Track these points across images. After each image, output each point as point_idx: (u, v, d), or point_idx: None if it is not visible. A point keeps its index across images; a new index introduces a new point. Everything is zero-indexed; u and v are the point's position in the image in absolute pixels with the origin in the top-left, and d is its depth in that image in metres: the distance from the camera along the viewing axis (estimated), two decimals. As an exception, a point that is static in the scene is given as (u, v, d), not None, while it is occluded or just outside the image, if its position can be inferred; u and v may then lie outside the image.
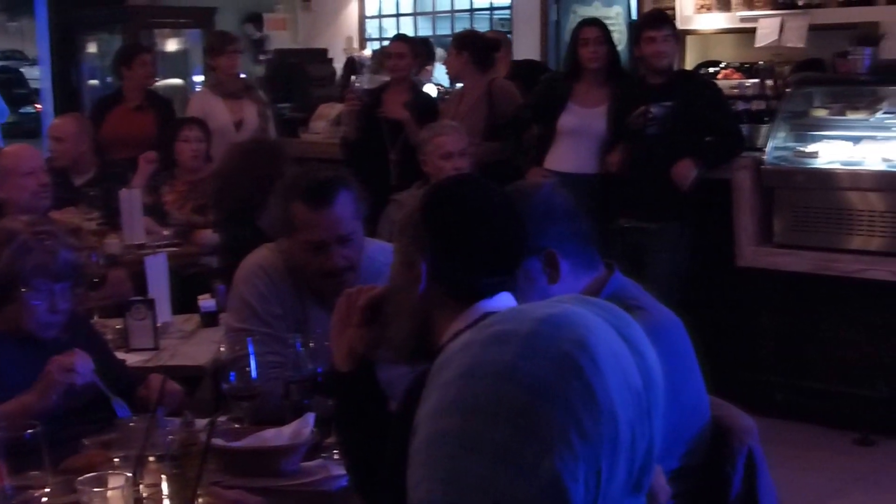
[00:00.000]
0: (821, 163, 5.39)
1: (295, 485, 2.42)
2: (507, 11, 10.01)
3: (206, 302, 4.11)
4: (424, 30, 10.88)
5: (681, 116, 5.45)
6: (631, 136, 5.54)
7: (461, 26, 10.18)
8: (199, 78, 9.83)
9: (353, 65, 9.49)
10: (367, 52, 10.19)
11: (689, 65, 8.15)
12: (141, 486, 2.27)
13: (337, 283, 2.84)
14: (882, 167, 5.22)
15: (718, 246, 5.51)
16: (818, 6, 7.67)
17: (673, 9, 8.16)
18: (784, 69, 7.48)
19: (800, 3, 7.72)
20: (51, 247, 2.89)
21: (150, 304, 3.83)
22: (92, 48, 10.40)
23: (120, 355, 3.37)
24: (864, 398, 5.26)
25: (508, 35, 8.94)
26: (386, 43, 8.69)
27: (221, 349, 2.90)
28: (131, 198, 5.22)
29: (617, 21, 8.89)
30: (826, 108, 5.61)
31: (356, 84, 6.79)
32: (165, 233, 5.35)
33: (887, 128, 5.33)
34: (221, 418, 2.62)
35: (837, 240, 5.30)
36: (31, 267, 2.85)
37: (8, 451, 2.26)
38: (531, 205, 2.34)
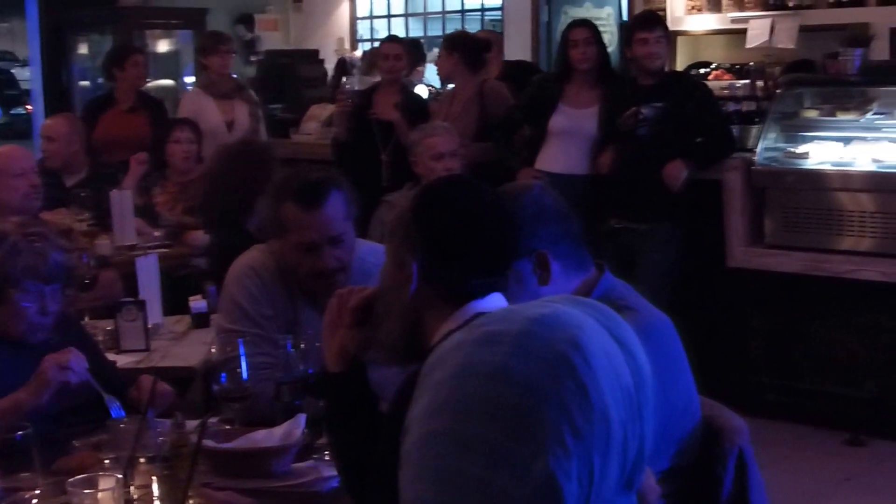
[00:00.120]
0: (811, 163, 5.40)
1: (286, 486, 2.42)
2: (499, 12, 10.02)
3: (197, 303, 4.10)
4: (415, 31, 10.88)
5: (671, 117, 5.46)
6: (622, 137, 5.54)
7: (452, 27, 10.18)
8: (190, 79, 9.82)
9: (344, 66, 9.49)
10: (359, 53, 10.19)
11: (680, 66, 8.18)
12: (132, 488, 2.26)
13: (328, 284, 2.83)
14: (872, 168, 5.23)
15: (709, 246, 5.51)
16: (809, 7, 7.70)
17: (664, 10, 8.19)
18: (775, 70, 7.50)
19: (790, 4, 7.75)
20: (41, 249, 2.89)
21: (141, 305, 3.82)
22: (83, 49, 10.38)
23: (111, 356, 3.37)
24: (854, 398, 5.28)
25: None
26: (377, 44, 8.67)
27: (212, 350, 2.90)
28: (122, 199, 5.21)
29: (608, 22, 8.91)
30: (816, 108, 5.62)
31: (347, 85, 6.78)
32: (156, 234, 5.34)
33: (877, 128, 5.34)
34: (212, 420, 2.61)
35: (828, 240, 5.31)
36: (21, 269, 2.84)
37: (-2, 452, 2.26)
38: (522, 206, 2.34)
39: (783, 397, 5.47)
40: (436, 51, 7.84)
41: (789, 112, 5.66)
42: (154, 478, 2.29)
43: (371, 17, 11.22)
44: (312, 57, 10.14)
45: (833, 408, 5.34)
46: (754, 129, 5.87)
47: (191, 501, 2.22)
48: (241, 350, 2.69)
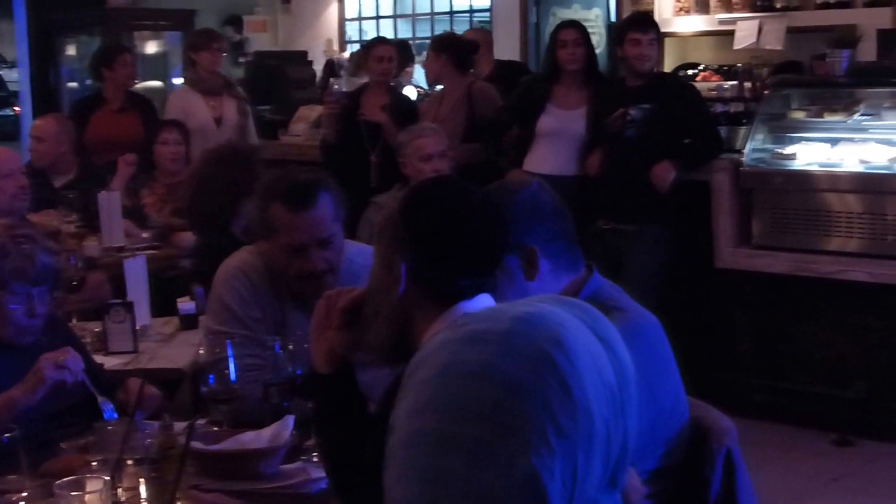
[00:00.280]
0: (799, 164, 5.41)
1: (274, 487, 2.42)
2: (487, 14, 10.03)
3: (185, 305, 4.09)
4: (404, 32, 10.88)
5: (659, 119, 5.47)
6: (610, 138, 5.55)
7: (441, 28, 10.19)
8: (178, 80, 9.79)
9: (332, 67, 9.49)
10: (347, 55, 10.19)
11: (668, 67, 8.19)
12: (119, 490, 2.26)
13: (316, 285, 2.83)
14: (859, 169, 5.25)
15: (697, 247, 5.52)
16: (796, 9, 7.73)
17: (651, 11, 8.20)
18: (762, 71, 7.53)
19: (778, 6, 7.77)
20: (29, 251, 2.88)
21: (129, 306, 3.82)
22: (71, 50, 10.35)
23: (99, 358, 3.36)
24: (842, 399, 5.29)
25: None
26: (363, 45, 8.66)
27: (200, 352, 2.90)
28: (110, 200, 5.20)
29: (596, 23, 8.93)
30: (804, 110, 5.63)
31: (335, 87, 6.77)
32: (144, 235, 5.33)
33: (865, 129, 5.36)
34: (200, 421, 2.61)
35: (815, 241, 5.33)
36: (8, 271, 2.84)
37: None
38: (518, 201, 2.35)
39: (771, 398, 5.48)
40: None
41: (777, 113, 5.67)
42: (142, 480, 2.29)
43: (360, 19, 11.21)
44: (301, 58, 10.14)
45: (821, 408, 5.35)
46: (742, 131, 5.89)
47: (178, 503, 2.22)
48: (230, 351, 2.69)
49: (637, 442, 1.80)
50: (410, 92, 8.21)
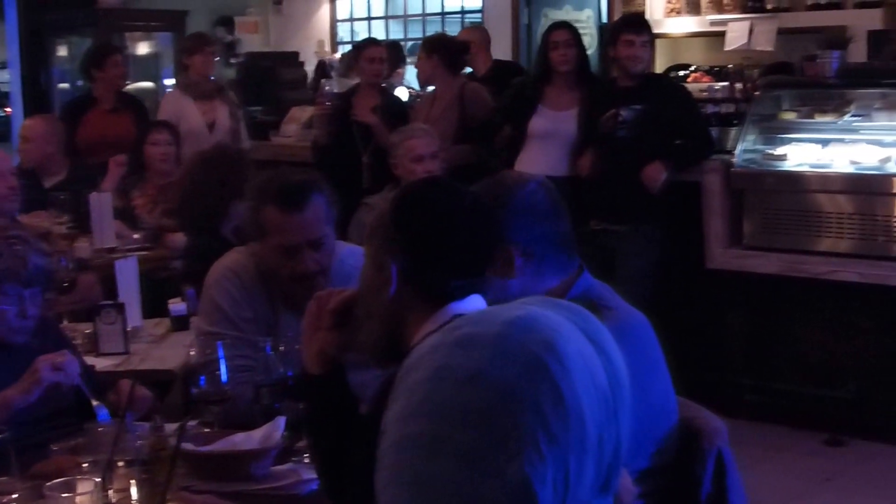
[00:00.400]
0: (790, 165, 5.42)
1: (265, 489, 2.42)
2: (479, 15, 10.03)
3: (176, 306, 4.09)
4: (396, 33, 10.88)
5: (651, 119, 5.47)
6: (601, 139, 5.56)
7: (432, 29, 10.19)
8: (169, 81, 9.79)
9: (324, 68, 9.49)
10: (338, 56, 10.19)
11: (660, 68, 8.19)
12: (110, 492, 2.26)
13: (308, 286, 2.82)
14: (850, 169, 5.26)
15: (688, 248, 5.53)
16: (787, 10, 7.74)
17: (643, 12, 8.20)
18: (753, 72, 7.54)
19: (769, 7, 7.78)
20: (21, 252, 2.87)
21: (120, 308, 3.81)
22: (62, 51, 10.34)
23: (90, 360, 3.35)
24: (833, 399, 5.30)
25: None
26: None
27: (192, 353, 2.89)
28: (101, 201, 5.19)
29: (587, 24, 8.94)
30: (795, 111, 5.64)
31: (326, 88, 6.77)
32: (136, 236, 5.32)
33: (855, 130, 5.37)
34: (191, 423, 2.61)
35: (806, 242, 5.34)
36: (1, 272, 2.83)
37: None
38: (511, 198, 2.35)
39: (762, 398, 5.49)
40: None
41: (768, 114, 5.68)
42: (133, 481, 2.28)
43: (351, 20, 11.21)
44: (292, 59, 10.13)
45: (812, 408, 5.36)
46: (733, 131, 5.90)
47: (169, 504, 2.21)
48: (221, 353, 2.69)
49: (628, 442, 1.80)
50: (402, 93, 8.20)
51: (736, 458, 2.44)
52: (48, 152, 5.82)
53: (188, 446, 2.41)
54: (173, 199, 4.93)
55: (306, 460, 2.48)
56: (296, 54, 10.34)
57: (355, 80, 6.93)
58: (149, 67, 10.26)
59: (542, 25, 8.36)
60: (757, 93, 5.99)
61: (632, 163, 5.41)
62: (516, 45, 9.40)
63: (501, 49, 9.10)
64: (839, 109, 5.47)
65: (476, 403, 1.61)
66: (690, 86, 7.41)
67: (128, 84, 7.95)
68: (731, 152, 5.62)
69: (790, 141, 5.50)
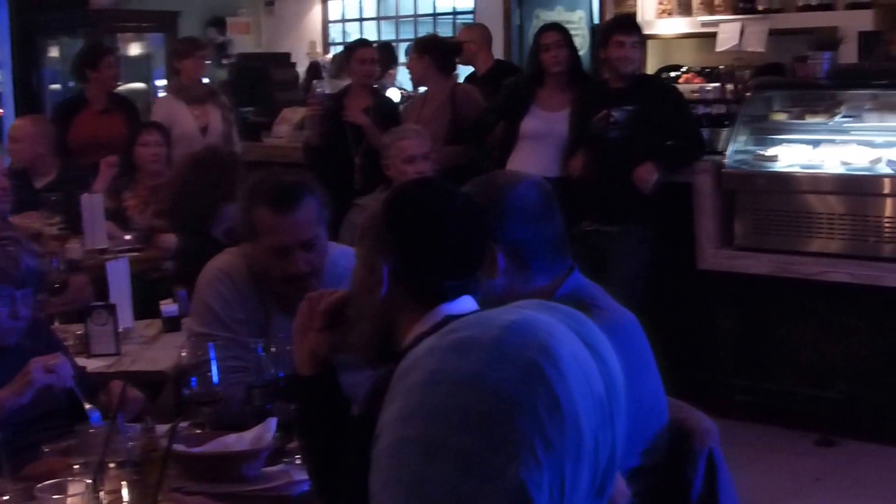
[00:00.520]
0: (781, 166, 5.43)
1: (257, 490, 2.41)
2: (471, 16, 10.03)
3: (167, 307, 4.09)
4: (388, 34, 10.88)
5: (643, 120, 5.48)
6: (593, 139, 5.56)
7: (424, 30, 10.20)
8: (161, 82, 9.78)
9: (315, 69, 9.48)
10: (330, 56, 10.19)
11: (651, 69, 8.21)
12: (101, 493, 2.25)
13: (300, 287, 2.82)
14: (841, 170, 5.27)
15: (679, 249, 5.54)
16: (778, 11, 7.76)
17: (634, 13, 8.22)
18: (744, 73, 7.55)
19: (760, 8, 7.80)
20: (13, 253, 2.87)
21: (112, 309, 3.80)
22: (54, 52, 10.31)
23: (81, 361, 3.35)
24: (823, 399, 5.31)
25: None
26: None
27: (183, 354, 2.89)
28: (93, 202, 5.19)
29: (579, 25, 8.94)
30: (786, 111, 5.65)
31: (318, 89, 6.77)
32: (127, 237, 5.32)
33: (846, 131, 5.38)
34: (183, 424, 2.61)
35: (797, 242, 5.35)
36: (-9, 273, 2.83)
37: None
38: (501, 197, 2.36)
39: (753, 398, 5.50)
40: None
41: (759, 115, 5.69)
42: (124, 483, 2.28)
43: (343, 21, 11.20)
44: (284, 60, 10.14)
45: (803, 408, 5.37)
46: (724, 132, 5.91)
47: (161, 506, 2.21)
48: (212, 354, 2.68)
49: (623, 446, 1.81)
50: (394, 94, 8.21)
51: (727, 459, 2.45)
52: (38, 153, 5.82)
53: (179, 447, 2.41)
54: (164, 200, 4.94)
55: (298, 461, 2.48)
56: (287, 55, 10.34)
57: (347, 82, 6.92)
58: (140, 68, 10.25)
59: (534, 26, 8.37)
60: (748, 94, 6.00)
61: (623, 164, 5.42)
62: (508, 46, 9.41)
63: (494, 50, 9.10)
64: (830, 110, 5.49)
65: (472, 407, 1.61)
66: (682, 87, 7.43)
67: (119, 85, 7.94)
68: (722, 153, 5.62)
69: (781, 142, 5.51)
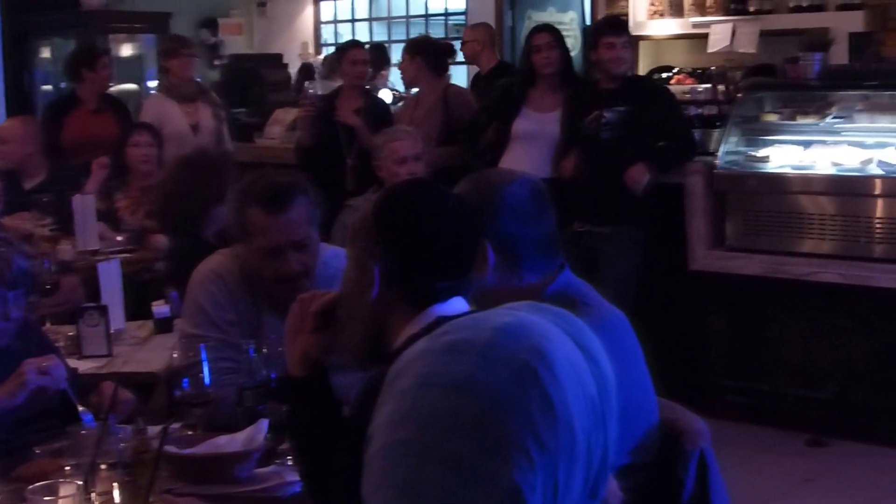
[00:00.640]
0: (772, 167, 5.44)
1: (248, 491, 2.41)
2: (462, 17, 10.04)
3: (159, 308, 4.08)
4: (380, 35, 10.89)
5: (634, 121, 5.49)
6: (585, 140, 5.57)
7: (416, 31, 10.20)
8: (153, 83, 9.77)
9: (307, 70, 9.48)
10: (321, 58, 10.19)
11: (643, 70, 8.22)
12: (93, 495, 2.25)
13: (292, 288, 2.82)
14: (832, 171, 5.28)
15: (671, 250, 5.55)
16: (769, 12, 7.77)
17: (626, 15, 8.24)
18: (736, 74, 7.57)
19: (751, 10, 7.82)
20: (5, 254, 2.86)
21: (103, 310, 3.80)
22: (45, 53, 10.29)
23: (73, 362, 3.34)
24: (814, 400, 5.32)
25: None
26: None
27: (175, 355, 2.89)
28: (84, 203, 5.18)
29: (571, 27, 8.95)
30: (777, 112, 5.66)
31: (310, 90, 6.77)
32: (119, 238, 5.31)
33: (837, 132, 5.39)
34: (174, 425, 2.60)
35: (788, 243, 5.36)
36: (-17, 274, 2.82)
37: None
38: (493, 197, 2.37)
39: (744, 399, 5.51)
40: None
41: (750, 116, 5.70)
42: (115, 484, 2.28)
43: (335, 22, 11.21)
44: (276, 61, 10.13)
45: (794, 409, 5.38)
46: (716, 133, 5.91)
47: (152, 507, 2.21)
48: (204, 355, 2.68)
49: (616, 448, 1.81)
50: (386, 95, 8.20)
51: (718, 459, 2.45)
52: (27, 153, 5.81)
53: (171, 449, 2.41)
54: (155, 202, 4.94)
55: (290, 462, 2.48)
56: (279, 56, 10.33)
57: (338, 83, 6.92)
58: (132, 69, 10.23)
59: (526, 27, 8.38)
60: (739, 95, 6.01)
61: (615, 164, 5.43)
62: (500, 48, 9.41)
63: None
64: (821, 111, 5.50)
65: (465, 410, 1.61)
66: (673, 87, 7.45)
67: (112, 86, 7.93)
68: (713, 154, 5.63)
69: (772, 143, 5.52)
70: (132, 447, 2.31)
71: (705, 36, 7.94)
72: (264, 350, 2.70)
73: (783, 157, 5.43)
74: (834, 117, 5.43)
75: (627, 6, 8.42)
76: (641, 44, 8.39)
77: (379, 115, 6.41)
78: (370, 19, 11.09)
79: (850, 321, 5.23)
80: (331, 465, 2.02)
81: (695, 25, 8.10)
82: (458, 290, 1.95)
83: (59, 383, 2.72)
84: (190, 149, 5.79)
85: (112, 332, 3.83)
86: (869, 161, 5.19)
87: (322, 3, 11.17)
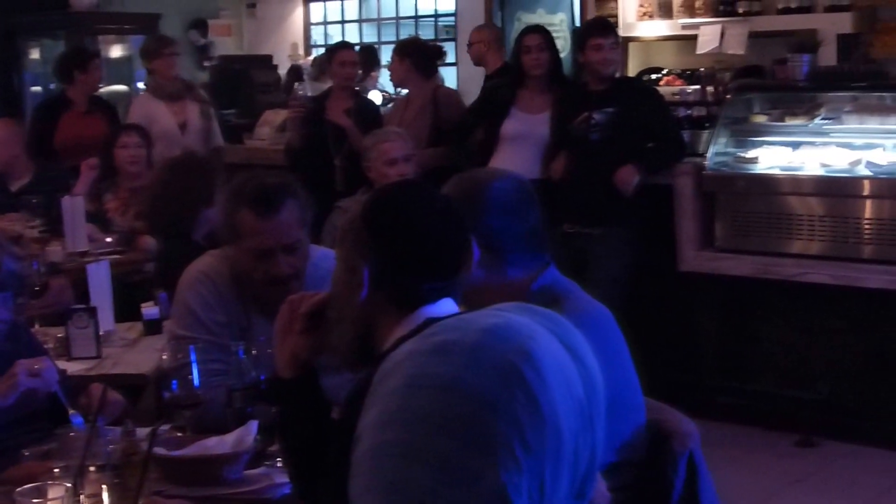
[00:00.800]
0: (761, 168, 5.45)
1: (238, 493, 2.41)
2: (452, 18, 10.04)
3: (149, 310, 4.08)
4: (370, 36, 10.88)
5: (623, 122, 5.49)
6: (574, 142, 5.58)
7: (406, 33, 10.19)
8: (143, 84, 9.75)
9: (296, 71, 9.47)
10: (311, 59, 10.18)
11: (632, 71, 8.23)
12: (82, 497, 2.25)
13: (282, 290, 2.82)
14: (821, 172, 5.29)
15: (660, 251, 5.55)
16: (758, 14, 7.78)
17: (615, 16, 8.24)
18: (725, 76, 7.58)
19: (740, 11, 7.82)
20: (-7, 256, 2.86)
21: (93, 312, 3.79)
22: (35, 54, 10.27)
23: (62, 364, 3.34)
24: (804, 400, 5.33)
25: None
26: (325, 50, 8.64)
27: (164, 357, 2.89)
28: (74, 205, 5.17)
29: (561, 28, 8.95)
30: (766, 114, 5.68)
31: (299, 91, 6.77)
32: (108, 240, 5.30)
33: (825, 133, 5.41)
34: (164, 427, 2.60)
35: (777, 244, 5.37)
36: (-28, 276, 2.82)
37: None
38: (479, 194, 2.38)
39: (734, 399, 5.52)
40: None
41: (739, 117, 5.72)
42: (104, 486, 2.27)
43: (325, 23, 11.20)
44: (266, 62, 10.12)
45: (784, 409, 5.39)
46: (705, 134, 5.92)
47: (141, 509, 2.21)
48: (193, 357, 2.68)
49: (603, 449, 1.81)
50: (376, 96, 8.20)
51: (707, 460, 2.46)
52: (13, 155, 5.80)
53: (160, 451, 2.40)
54: (144, 204, 4.94)
55: (279, 464, 2.48)
56: (269, 57, 10.32)
57: (328, 84, 6.91)
58: (122, 70, 10.21)
59: (516, 29, 8.37)
60: (728, 96, 6.02)
61: (604, 166, 5.43)
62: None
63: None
64: (810, 112, 5.51)
65: (452, 411, 1.61)
66: (662, 89, 7.45)
67: (101, 87, 7.92)
68: (702, 155, 5.64)
69: (761, 144, 5.53)
70: (121, 449, 2.31)
71: (694, 37, 7.94)
72: (253, 351, 2.70)
73: (772, 158, 5.44)
74: (822, 118, 5.45)
75: (617, 8, 8.43)
76: (631, 45, 8.39)
77: (368, 116, 6.41)
78: (360, 20, 11.08)
79: (839, 322, 5.24)
80: (320, 466, 2.02)
81: (684, 27, 8.10)
82: (448, 291, 1.94)
83: (51, 385, 2.71)
84: (179, 148, 5.80)
85: (101, 333, 3.82)
86: (857, 162, 5.21)
87: (312, 5, 11.15)
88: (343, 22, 11.10)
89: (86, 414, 2.71)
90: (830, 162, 5.28)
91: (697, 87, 7.62)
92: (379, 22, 10.92)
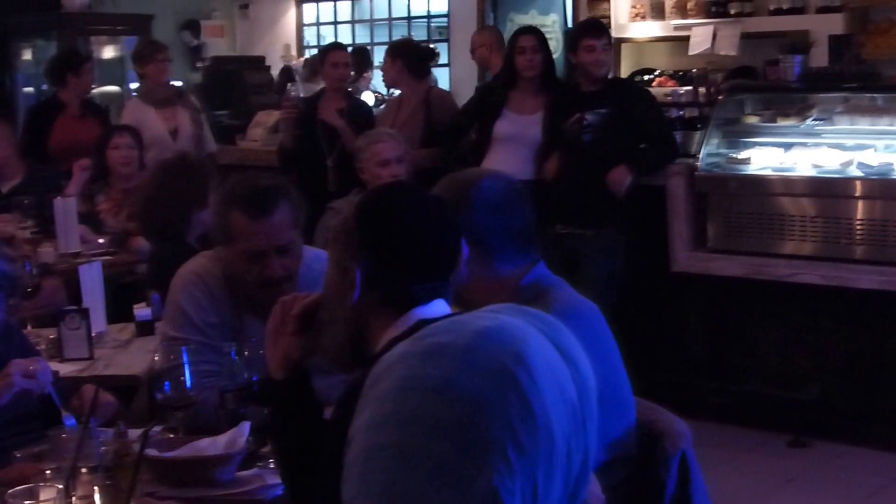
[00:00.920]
0: (753, 169, 5.46)
1: (230, 494, 2.41)
2: (445, 19, 10.04)
3: (141, 311, 4.07)
4: (362, 37, 10.88)
5: (615, 123, 5.50)
6: (566, 143, 5.58)
7: (399, 34, 10.20)
8: (135, 85, 9.73)
9: (289, 72, 9.47)
10: (302, 60, 10.18)
11: (624, 72, 8.24)
12: (73, 499, 2.25)
13: (275, 292, 2.81)
14: (812, 173, 5.30)
15: (652, 251, 5.56)
16: (750, 15, 7.80)
17: (608, 17, 8.25)
18: (717, 77, 7.59)
19: (732, 12, 7.84)
20: (-14, 257, 2.86)
21: (85, 313, 3.78)
22: (27, 55, 10.25)
23: (54, 365, 3.33)
24: (795, 401, 5.34)
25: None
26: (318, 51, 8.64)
27: (156, 358, 2.89)
28: (66, 206, 5.17)
29: (553, 29, 8.96)
30: (758, 114, 5.69)
31: (292, 92, 6.76)
32: (101, 241, 5.30)
33: (817, 134, 5.42)
34: (156, 428, 2.60)
35: (769, 244, 5.38)
36: (-36, 277, 2.81)
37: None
38: (467, 192, 2.39)
39: (726, 400, 5.53)
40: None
41: (731, 118, 5.73)
42: (96, 488, 2.27)
43: (317, 24, 11.20)
44: (258, 63, 10.13)
45: (775, 410, 5.40)
46: (697, 135, 5.93)
47: (134, 511, 2.21)
48: (185, 358, 2.68)
49: (596, 451, 1.81)
50: (368, 97, 8.20)
51: (699, 460, 2.46)
52: (4, 156, 5.79)
53: (152, 452, 2.40)
54: (136, 206, 4.93)
55: (271, 465, 2.47)
56: (262, 58, 10.32)
57: (320, 85, 6.91)
58: (114, 71, 10.20)
59: (509, 30, 8.37)
60: (720, 97, 6.03)
61: (597, 166, 5.44)
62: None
63: (468, 54, 9.10)
64: (801, 113, 5.52)
65: (445, 414, 1.61)
66: (655, 90, 7.45)
67: (93, 88, 7.92)
68: (694, 156, 5.65)
69: (753, 145, 5.54)
70: (113, 450, 2.31)
71: (686, 38, 7.96)
72: (246, 353, 2.69)
73: (764, 158, 5.45)
74: (814, 119, 5.46)
75: (609, 9, 8.44)
76: (623, 46, 8.41)
77: (361, 117, 6.41)
78: (352, 21, 11.08)
79: (830, 322, 5.25)
80: (312, 467, 2.02)
81: (676, 28, 8.12)
82: (440, 292, 1.95)
83: (45, 387, 2.71)
84: (170, 153, 5.78)
85: (93, 334, 3.81)
86: (849, 163, 5.22)
87: (304, 6, 11.15)
88: (335, 23, 11.10)
89: (78, 415, 2.70)
90: (822, 163, 5.29)
91: (689, 87, 7.63)
92: (371, 23, 10.92)
